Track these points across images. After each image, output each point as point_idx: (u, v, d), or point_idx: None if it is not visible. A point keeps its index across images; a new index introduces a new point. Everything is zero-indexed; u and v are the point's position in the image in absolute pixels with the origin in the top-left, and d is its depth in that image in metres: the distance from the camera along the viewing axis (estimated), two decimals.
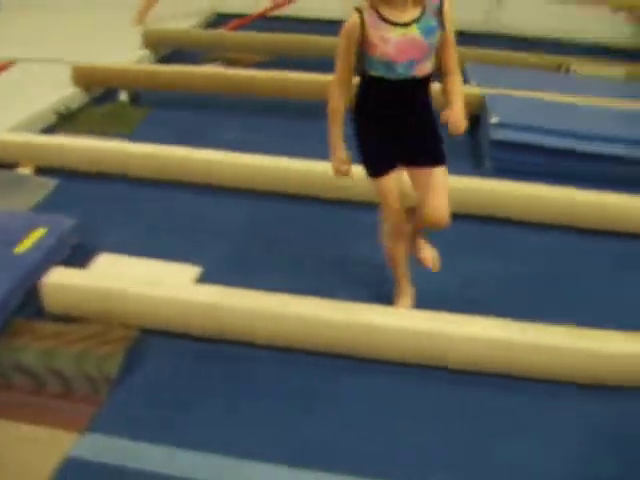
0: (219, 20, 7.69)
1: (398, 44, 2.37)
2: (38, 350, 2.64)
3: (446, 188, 2.62)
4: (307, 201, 3.75)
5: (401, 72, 2.42)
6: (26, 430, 2.36)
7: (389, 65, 2.41)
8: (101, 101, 5.24)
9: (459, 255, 3.25)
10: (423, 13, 2.39)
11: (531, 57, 5.88)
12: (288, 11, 7.73)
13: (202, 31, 6.89)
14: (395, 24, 2.37)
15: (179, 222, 3.61)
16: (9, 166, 4.06)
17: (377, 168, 2.64)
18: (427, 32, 2.39)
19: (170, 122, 4.87)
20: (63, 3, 7.79)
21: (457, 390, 2.56)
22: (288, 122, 4.87)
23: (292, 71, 5.09)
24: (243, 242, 3.44)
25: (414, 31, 2.37)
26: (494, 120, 4.16)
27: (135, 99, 5.28)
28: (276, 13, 7.72)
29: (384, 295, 2.95)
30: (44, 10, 7.70)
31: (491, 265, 3.29)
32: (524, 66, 5.75)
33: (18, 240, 3.07)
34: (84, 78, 5.16)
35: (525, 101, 4.55)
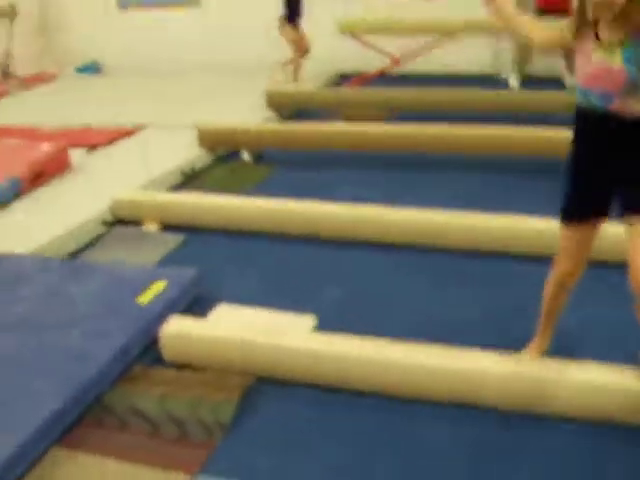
0: (341, 81, 7.87)
1: (596, 68, 2.11)
2: (155, 395, 2.74)
3: None
4: (416, 250, 3.76)
5: (596, 103, 2.15)
6: (141, 471, 2.43)
7: (584, 91, 2.18)
8: (225, 160, 5.46)
9: None
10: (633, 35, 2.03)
11: None
12: (406, 68, 7.80)
13: (323, 90, 7.07)
14: (600, 42, 2.09)
15: (296, 273, 3.68)
16: (136, 223, 4.28)
17: (568, 213, 2.42)
18: (631, 60, 2.05)
19: (291, 179, 5.00)
20: (160, 68, 8.23)
21: None
22: (405, 175, 4.90)
23: (413, 125, 5.12)
24: (358, 292, 3.46)
25: (617, 57, 2.06)
26: None
27: (258, 158, 5.45)
28: (396, 70, 7.80)
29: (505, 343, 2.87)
30: (146, 74, 8.16)
31: None
32: None
33: (141, 291, 3.22)
34: (208, 139, 5.40)
35: None
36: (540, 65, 7.37)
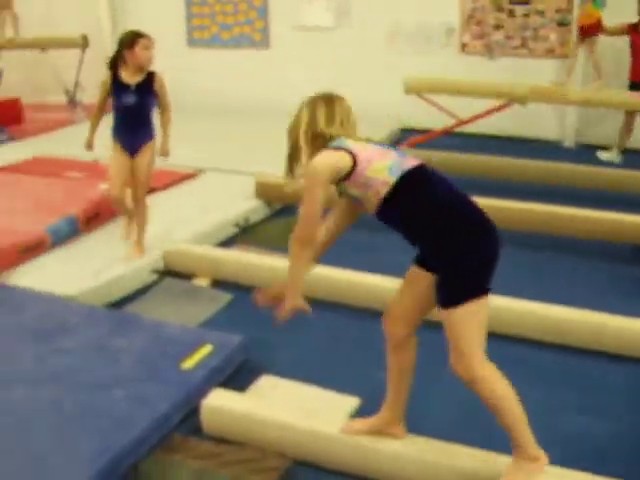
0: (403, 135, 7.83)
1: None
2: (191, 469, 2.68)
3: (458, 335, 2.33)
4: None
5: None
6: None
7: None
8: (281, 215, 5.43)
9: None
10: None
11: None
12: (471, 128, 7.73)
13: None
14: None
15: (346, 347, 3.60)
16: (188, 275, 4.25)
17: None
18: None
19: (347, 242, 4.86)
20: (225, 109, 8.34)
21: None
22: None
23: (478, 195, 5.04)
24: None
25: None
26: None
27: None
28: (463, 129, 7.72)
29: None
30: (210, 114, 8.40)
31: None
32: None
33: (186, 354, 3.18)
34: (265, 191, 5.38)
35: None
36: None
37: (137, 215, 4.44)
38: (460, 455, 2.58)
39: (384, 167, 2.34)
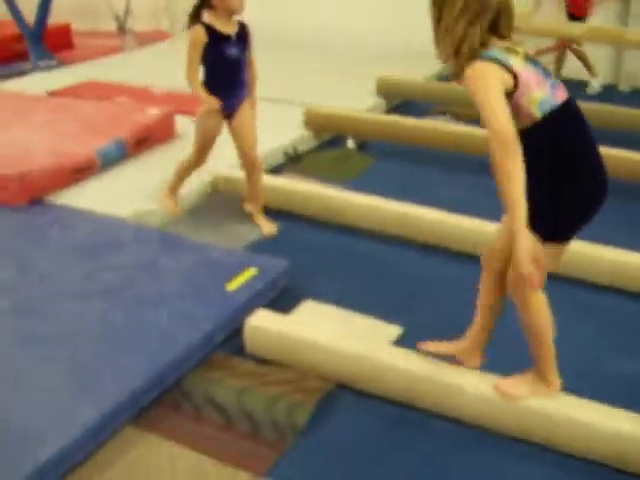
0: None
1: None
2: (232, 387, 2.72)
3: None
4: None
5: None
6: (209, 463, 2.43)
7: None
8: (329, 146, 5.40)
9: None
10: None
11: None
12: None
13: (434, 82, 6.89)
14: None
15: (390, 278, 3.59)
16: (234, 201, 4.26)
17: None
18: None
19: (393, 173, 4.91)
20: (280, 39, 8.17)
21: None
22: None
23: None
24: (451, 307, 3.34)
25: None
26: None
27: (362, 147, 5.37)
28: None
29: None
30: (264, 43, 8.02)
31: None
32: None
33: (232, 276, 3.20)
34: (315, 122, 5.34)
35: None
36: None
37: (255, 181, 4.03)
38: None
39: (536, 99, 2.17)
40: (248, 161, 3.97)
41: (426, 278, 3.59)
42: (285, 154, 5.00)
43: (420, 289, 3.49)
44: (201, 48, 3.64)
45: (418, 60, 7.26)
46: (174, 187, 4.09)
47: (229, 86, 3.79)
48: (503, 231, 2.46)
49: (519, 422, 2.51)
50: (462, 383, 2.58)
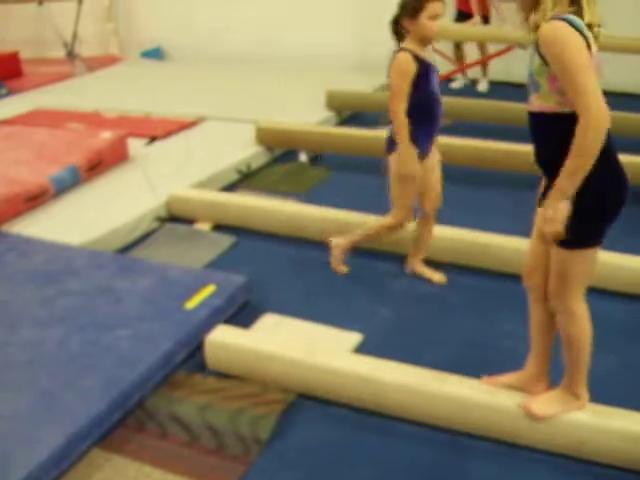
0: None
1: None
2: (195, 404, 2.75)
3: (561, 273, 2.29)
4: (482, 275, 3.69)
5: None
6: None
7: None
8: (282, 161, 5.45)
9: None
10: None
11: None
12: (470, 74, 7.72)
13: (383, 93, 6.98)
14: None
15: (347, 286, 3.65)
16: (190, 221, 4.29)
17: None
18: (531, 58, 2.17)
19: (346, 184, 4.97)
20: (224, 58, 8.35)
21: None
22: (463, 189, 4.81)
23: (469, 137, 5.03)
24: (409, 312, 3.42)
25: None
26: None
27: (315, 160, 5.43)
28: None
29: None
30: (209, 62, 8.37)
31: None
32: None
33: (189, 296, 3.23)
34: (267, 138, 5.40)
35: None
36: None
37: (430, 231, 3.66)
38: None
39: None
40: (430, 209, 3.57)
41: (383, 285, 3.66)
42: (238, 171, 5.04)
43: (378, 296, 3.55)
44: (410, 80, 3.20)
45: (365, 72, 7.44)
46: (353, 242, 3.73)
47: (432, 125, 3.37)
48: (534, 243, 2.45)
49: (489, 421, 2.57)
50: (435, 388, 2.63)
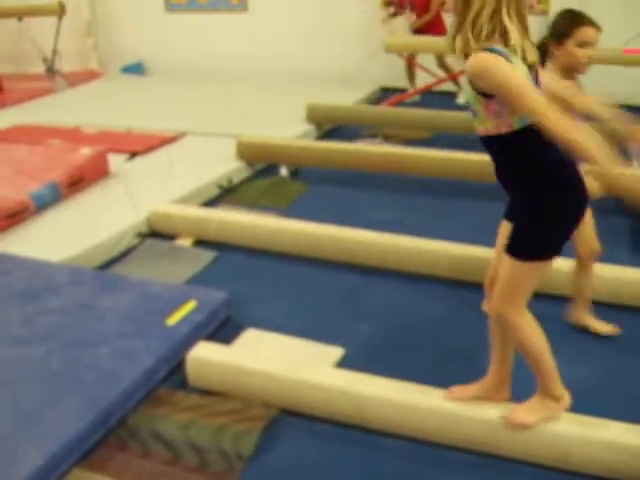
0: (384, 95, 7.83)
1: None
2: (178, 421, 2.73)
3: (508, 281, 2.33)
4: (460, 286, 3.69)
5: None
6: None
7: None
8: (262, 175, 5.46)
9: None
10: None
11: None
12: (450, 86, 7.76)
13: (363, 107, 7.04)
14: None
15: (328, 300, 3.65)
16: (171, 236, 4.29)
17: None
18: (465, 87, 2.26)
19: (327, 198, 4.99)
20: (204, 73, 8.43)
21: None
22: (442, 202, 4.84)
23: (450, 149, 5.07)
24: (389, 325, 3.42)
25: None
26: None
27: (295, 174, 5.44)
28: (439, 88, 7.74)
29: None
30: (190, 77, 8.42)
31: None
32: None
33: (170, 312, 3.22)
34: (247, 153, 5.41)
35: None
36: None
37: (592, 274, 3.21)
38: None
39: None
40: (592, 250, 3.15)
41: (365, 299, 3.67)
42: (219, 186, 5.04)
43: (359, 309, 3.56)
44: None
45: (346, 85, 7.48)
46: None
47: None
48: (497, 254, 2.47)
49: (473, 434, 2.57)
50: (418, 401, 2.63)
